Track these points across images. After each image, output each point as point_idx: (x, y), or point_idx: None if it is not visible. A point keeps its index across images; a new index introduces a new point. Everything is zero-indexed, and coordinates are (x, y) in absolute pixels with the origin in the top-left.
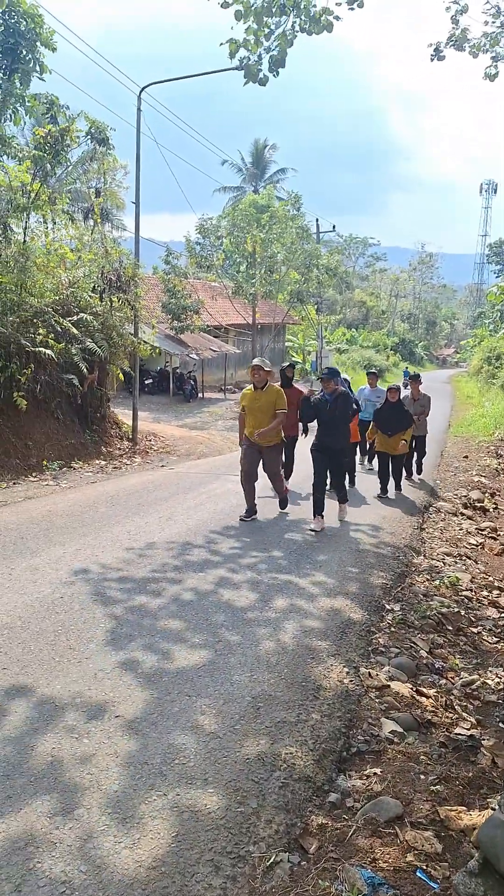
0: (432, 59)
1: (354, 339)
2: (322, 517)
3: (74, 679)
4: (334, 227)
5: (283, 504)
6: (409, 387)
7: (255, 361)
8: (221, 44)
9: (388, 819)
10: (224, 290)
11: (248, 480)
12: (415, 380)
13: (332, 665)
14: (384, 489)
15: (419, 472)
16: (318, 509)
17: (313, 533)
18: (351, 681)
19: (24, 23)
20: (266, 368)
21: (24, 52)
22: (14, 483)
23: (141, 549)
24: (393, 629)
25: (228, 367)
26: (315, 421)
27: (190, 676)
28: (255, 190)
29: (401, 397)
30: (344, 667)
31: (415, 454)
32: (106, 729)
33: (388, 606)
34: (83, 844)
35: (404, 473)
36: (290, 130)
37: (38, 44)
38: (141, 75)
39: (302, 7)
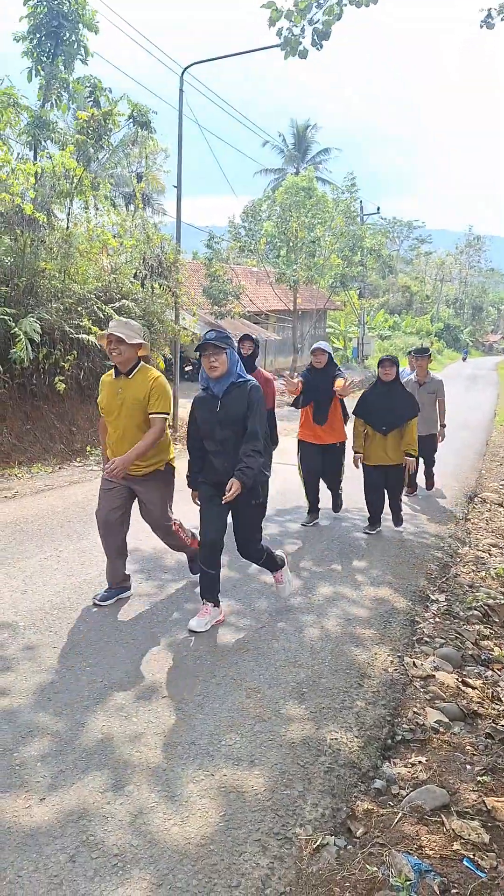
0: (481, 27)
1: (397, 324)
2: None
3: (122, 659)
4: (378, 209)
5: (192, 566)
6: (413, 366)
7: (112, 324)
8: (262, 6)
9: (433, 807)
10: (265, 275)
11: (110, 535)
12: (421, 356)
13: (376, 653)
14: (373, 520)
15: (429, 486)
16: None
17: (366, 535)
18: (395, 669)
19: (68, 4)
20: (132, 341)
21: (68, 35)
22: (59, 468)
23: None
24: (438, 619)
25: (268, 354)
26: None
27: (234, 660)
28: (296, 171)
29: (399, 376)
30: (388, 655)
31: (421, 462)
32: (154, 709)
33: (432, 597)
34: (134, 819)
35: (405, 491)
36: (334, 109)
37: (80, 25)
38: (183, 55)
39: None
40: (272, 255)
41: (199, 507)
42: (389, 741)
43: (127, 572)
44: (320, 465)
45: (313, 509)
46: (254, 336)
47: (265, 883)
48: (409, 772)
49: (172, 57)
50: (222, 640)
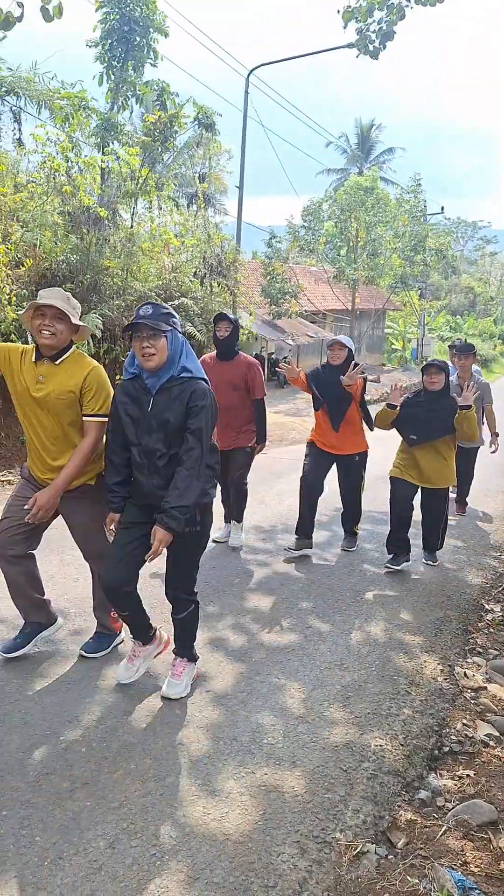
0: None
1: (459, 326)
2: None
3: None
4: (443, 208)
5: (98, 643)
6: (455, 365)
7: (45, 293)
8: (339, 11)
9: (480, 823)
10: (324, 274)
11: (16, 581)
12: (464, 354)
13: (425, 661)
14: (397, 553)
15: (460, 509)
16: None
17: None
18: (445, 679)
19: (139, 9)
20: (74, 320)
21: (139, 39)
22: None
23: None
24: (492, 630)
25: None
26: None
27: (279, 659)
28: (359, 171)
29: (449, 384)
30: (438, 664)
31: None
32: (197, 702)
33: (486, 606)
34: (174, 811)
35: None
36: (400, 109)
37: (150, 29)
38: (249, 57)
39: None
40: (332, 254)
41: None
42: (436, 752)
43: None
44: (322, 477)
45: (302, 532)
46: (231, 316)
47: (302, 886)
48: (455, 785)
49: (239, 59)
50: (268, 639)
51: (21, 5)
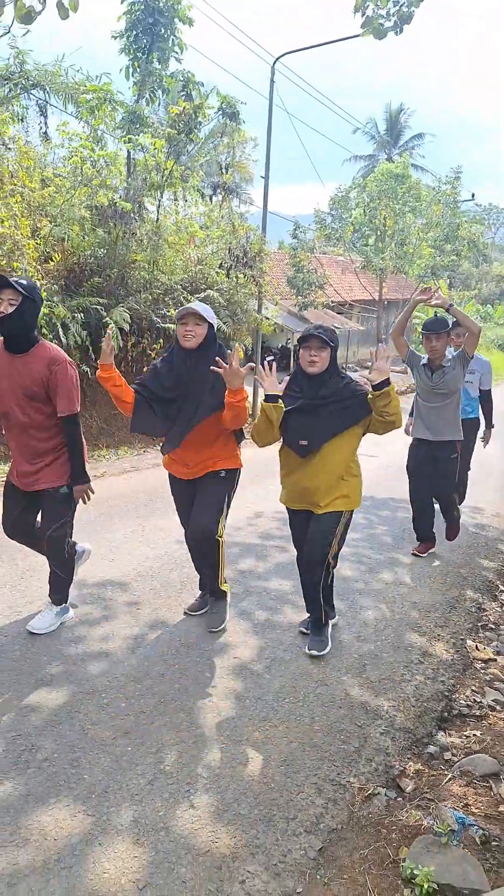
0: None
1: (489, 315)
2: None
3: (196, 624)
4: (473, 195)
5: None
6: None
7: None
8: None
9: (483, 773)
10: (351, 264)
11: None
12: (436, 333)
13: (438, 635)
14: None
15: (450, 534)
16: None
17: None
18: (457, 651)
19: (163, 0)
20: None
21: (163, 30)
22: (144, 451)
23: (249, 518)
24: None
25: (351, 345)
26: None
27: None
28: (388, 158)
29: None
30: (450, 638)
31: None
32: (225, 666)
33: (502, 587)
34: (204, 756)
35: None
36: (428, 93)
37: (175, 20)
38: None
39: None
40: (360, 244)
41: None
42: (446, 714)
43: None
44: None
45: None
46: (21, 282)
47: (319, 819)
48: (462, 742)
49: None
50: (290, 615)
51: (44, 2)
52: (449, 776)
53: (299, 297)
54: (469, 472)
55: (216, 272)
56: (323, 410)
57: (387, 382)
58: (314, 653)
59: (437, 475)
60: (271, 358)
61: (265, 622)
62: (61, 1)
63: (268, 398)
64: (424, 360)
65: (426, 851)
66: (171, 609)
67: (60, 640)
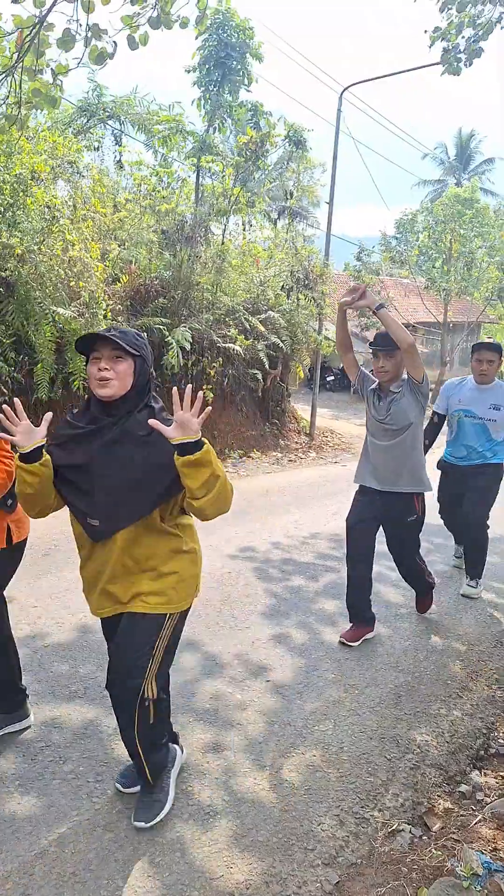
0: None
1: None
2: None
3: (235, 643)
4: None
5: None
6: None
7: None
8: (425, 31)
9: None
10: (416, 286)
11: None
12: (386, 351)
13: (480, 670)
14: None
15: (423, 604)
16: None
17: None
18: (499, 688)
19: (236, 36)
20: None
21: (235, 64)
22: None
23: (305, 538)
24: None
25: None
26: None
27: (337, 658)
28: (457, 183)
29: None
30: (494, 673)
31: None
32: (258, 688)
33: None
34: (228, 779)
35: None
36: (499, 119)
37: (247, 55)
38: (343, 73)
39: None
40: (426, 266)
41: None
42: (482, 753)
43: None
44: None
45: None
46: None
47: (338, 852)
48: (497, 783)
49: (332, 76)
50: (328, 639)
51: (115, 44)
52: (479, 817)
53: (362, 318)
54: (489, 528)
55: (277, 294)
56: (115, 464)
57: (197, 445)
58: (139, 824)
59: (389, 540)
60: (332, 378)
61: (303, 645)
62: (132, 35)
63: (21, 457)
64: (374, 385)
65: (446, 895)
66: (209, 628)
67: (101, 651)
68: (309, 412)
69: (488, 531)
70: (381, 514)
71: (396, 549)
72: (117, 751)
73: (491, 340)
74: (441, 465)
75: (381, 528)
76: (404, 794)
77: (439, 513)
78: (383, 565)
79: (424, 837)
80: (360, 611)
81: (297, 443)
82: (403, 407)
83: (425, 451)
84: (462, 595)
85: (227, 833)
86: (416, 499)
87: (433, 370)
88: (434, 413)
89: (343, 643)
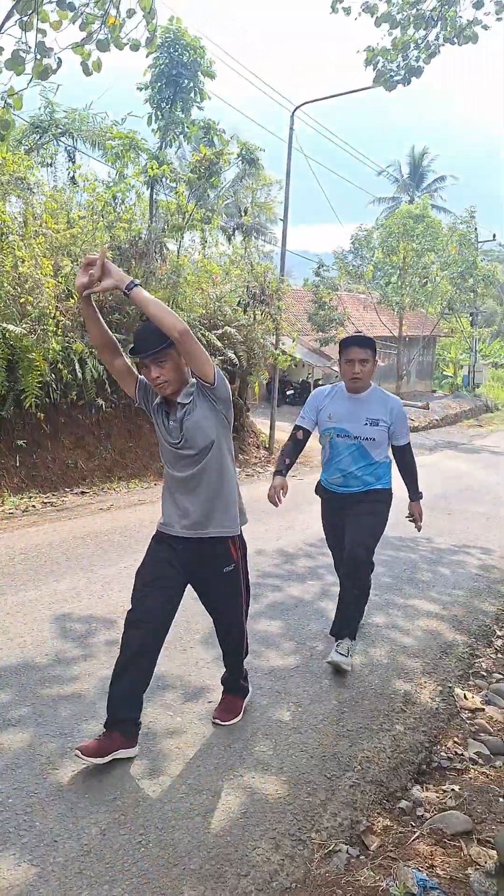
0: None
1: None
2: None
3: (178, 664)
4: (494, 235)
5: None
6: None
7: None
8: (358, 51)
9: (454, 832)
10: (371, 301)
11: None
12: None
13: (424, 682)
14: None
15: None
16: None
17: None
18: (443, 700)
19: (187, 54)
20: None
21: (186, 82)
22: (155, 484)
23: (251, 555)
24: (499, 655)
25: (373, 380)
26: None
27: (281, 675)
28: (410, 200)
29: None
30: (437, 685)
31: None
32: (198, 711)
33: (498, 633)
34: (163, 806)
35: None
36: (450, 137)
37: (199, 73)
38: (291, 90)
39: (448, 19)
40: (382, 282)
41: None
42: (424, 767)
43: None
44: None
45: None
46: None
47: (273, 877)
48: (437, 797)
49: (285, 95)
50: (272, 658)
51: (59, 60)
52: (417, 833)
53: (320, 333)
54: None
55: (234, 309)
56: None
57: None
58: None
59: (204, 602)
60: (291, 392)
61: (246, 665)
62: (85, 62)
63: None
64: (159, 399)
65: None
66: None
67: (34, 679)
68: (268, 426)
69: (371, 574)
70: (186, 569)
71: (215, 613)
72: (49, 780)
73: (362, 334)
74: (318, 490)
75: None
76: (343, 813)
77: (328, 546)
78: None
79: (361, 857)
80: (123, 712)
81: (256, 457)
82: (198, 421)
83: (285, 472)
84: (329, 663)
85: (159, 861)
86: (231, 544)
87: (390, 384)
88: (297, 427)
89: (78, 755)
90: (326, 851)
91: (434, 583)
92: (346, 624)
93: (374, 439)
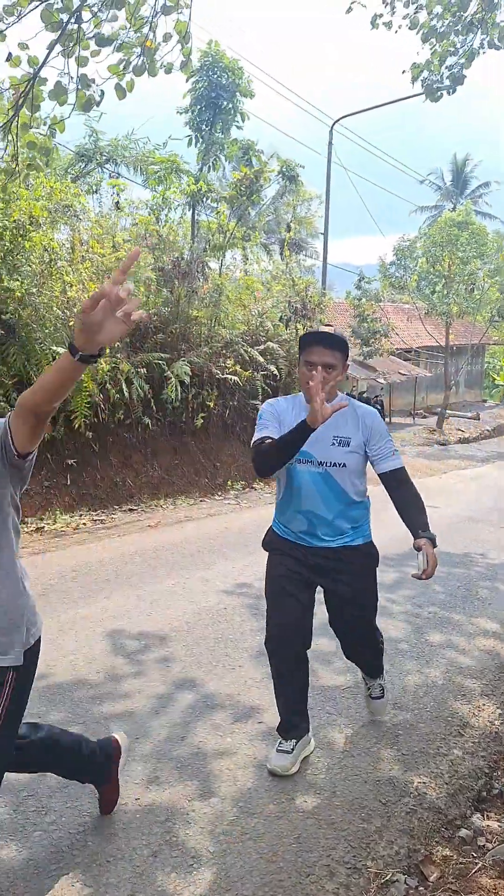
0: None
1: None
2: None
3: (227, 683)
4: None
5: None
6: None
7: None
8: (404, 71)
9: None
10: (417, 311)
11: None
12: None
13: (483, 705)
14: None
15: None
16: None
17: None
18: (502, 723)
19: (226, 76)
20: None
21: (225, 103)
22: (201, 500)
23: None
24: None
25: (419, 391)
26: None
27: (333, 695)
28: (453, 207)
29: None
30: (497, 708)
31: None
32: (248, 731)
33: None
34: (214, 828)
35: None
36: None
37: (237, 94)
38: (332, 105)
39: (490, 23)
40: (427, 290)
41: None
42: (484, 793)
43: None
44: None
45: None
46: None
47: None
48: (500, 827)
49: (323, 110)
50: (324, 676)
51: (102, 92)
52: (479, 865)
53: (364, 346)
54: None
55: (275, 325)
56: None
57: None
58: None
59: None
60: None
61: None
62: (119, 84)
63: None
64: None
65: None
66: (202, 667)
67: (86, 696)
68: None
69: (378, 633)
70: None
71: None
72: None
73: (331, 330)
74: (271, 542)
75: None
76: (400, 841)
77: (273, 609)
78: (384, 598)
79: (420, 888)
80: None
81: None
82: None
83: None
84: (371, 713)
85: (210, 886)
86: (10, 677)
87: (437, 394)
88: (263, 439)
89: None
90: (383, 881)
91: (491, 600)
92: (372, 669)
93: (344, 465)
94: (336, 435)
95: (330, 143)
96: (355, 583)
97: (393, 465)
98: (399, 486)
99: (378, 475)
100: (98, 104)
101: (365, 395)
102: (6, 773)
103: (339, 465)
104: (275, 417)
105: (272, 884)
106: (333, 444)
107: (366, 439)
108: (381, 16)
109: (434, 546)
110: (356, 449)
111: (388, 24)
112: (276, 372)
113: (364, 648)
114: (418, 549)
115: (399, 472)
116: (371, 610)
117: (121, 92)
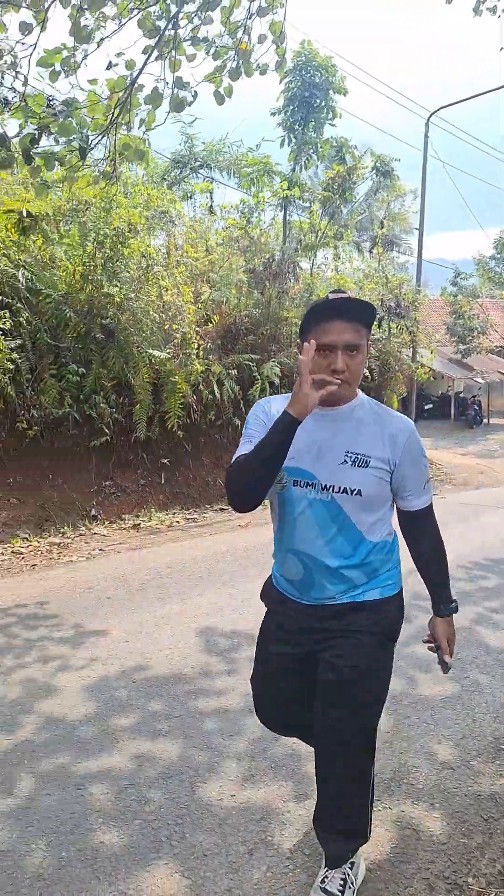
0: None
1: None
2: None
3: None
4: None
5: None
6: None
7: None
8: (502, 49)
9: None
10: None
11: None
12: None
13: None
14: None
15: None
16: None
17: None
18: None
19: (319, 74)
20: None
21: (319, 102)
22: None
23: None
24: None
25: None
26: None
27: (432, 705)
28: None
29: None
30: None
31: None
32: None
33: None
34: (309, 830)
35: None
36: None
37: (330, 91)
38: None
39: None
40: None
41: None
42: None
43: None
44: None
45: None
46: None
47: None
48: None
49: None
50: (422, 686)
51: (195, 93)
52: None
53: (460, 345)
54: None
55: None
56: None
57: None
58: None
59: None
60: (429, 406)
61: (393, 692)
62: (218, 90)
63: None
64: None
65: None
66: None
67: (182, 690)
68: None
69: (370, 763)
70: None
71: None
72: (198, 793)
73: (348, 294)
74: (265, 590)
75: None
76: (502, 860)
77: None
78: (484, 607)
79: None
80: None
81: None
82: None
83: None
84: None
85: (306, 889)
86: None
87: None
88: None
89: None
90: None
91: None
92: (338, 851)
93: (359, 492)
94: (350, 450)
95: (426, 136)
96: (356, 658)
97: (423, 502)
98: (423, 533)
99: (398, 511)
100: (190, 104)
101: (461, 394)
102: (107, 763)
103: (352, 491)
104: (261, 424)
105: (368, 892)
106: (345, 461)
107: (394, 462)
108: (484, 1)
109: (454, 611)
110: (379, 472)
111: (493, 10)
112: (366, 372)
113: (339, 777)
114: (433, 631)
115: (426, 510)
116: (370, 708)
117: (220, 98)
